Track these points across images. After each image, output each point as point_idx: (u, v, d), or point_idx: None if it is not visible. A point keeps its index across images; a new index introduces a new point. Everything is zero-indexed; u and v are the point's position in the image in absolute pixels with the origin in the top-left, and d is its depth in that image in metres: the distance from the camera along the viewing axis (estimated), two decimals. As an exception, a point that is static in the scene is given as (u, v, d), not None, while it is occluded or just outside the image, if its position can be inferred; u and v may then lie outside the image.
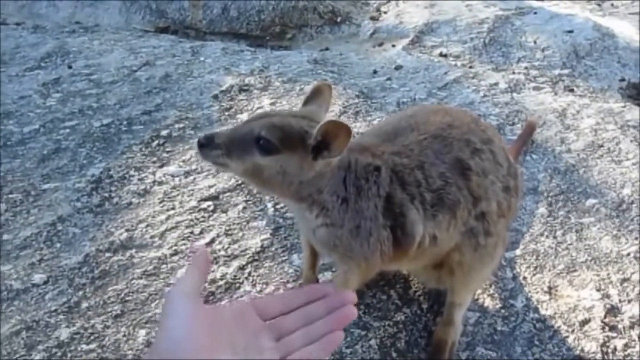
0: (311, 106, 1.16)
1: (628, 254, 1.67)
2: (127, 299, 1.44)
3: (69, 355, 1.30)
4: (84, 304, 1.43)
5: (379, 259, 1.18)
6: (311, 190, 1.11)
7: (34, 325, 1.37)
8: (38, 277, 1.51)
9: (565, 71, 2.98)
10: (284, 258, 1.59)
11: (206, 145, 1.04)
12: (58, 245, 1.62)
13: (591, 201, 1.88)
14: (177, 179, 1.89)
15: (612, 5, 4.14)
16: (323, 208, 1.13)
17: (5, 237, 1.64)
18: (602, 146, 2.18)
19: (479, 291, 1.51)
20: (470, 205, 1.23)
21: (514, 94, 2.60)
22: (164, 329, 0.84)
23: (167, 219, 1.71)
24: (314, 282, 1.44)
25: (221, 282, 1.49)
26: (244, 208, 1.75)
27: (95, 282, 1.50)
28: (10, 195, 1.80)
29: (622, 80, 2.92)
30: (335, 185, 1.13)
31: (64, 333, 1.35)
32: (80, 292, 1.46)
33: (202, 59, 2.84)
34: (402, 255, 1.21)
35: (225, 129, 1.11)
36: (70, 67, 2.67)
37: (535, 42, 3.27)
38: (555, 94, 2.67)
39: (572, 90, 2.77)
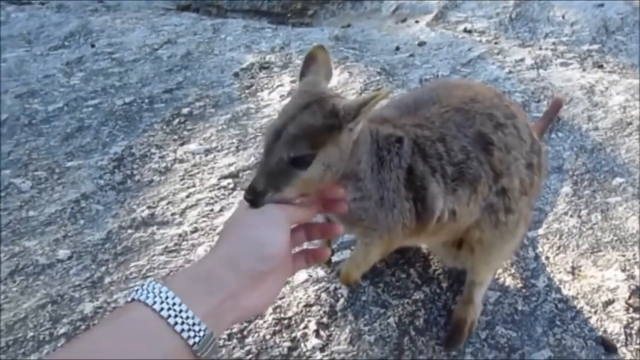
0: (308, 77, 1.06)
1: (655, 235, 1.62)
2: (148, 274, 1.47)
3: (93, 328, 1.33)
4: (107, 279, 1.46)
5: (400, 231, 1.17)
6: (352, 164, 1.07)
7: (58, 300, 1.41)
8: (62, 253, 1.54)
9: (595, 46, 2.88)
10: (303, 236, 1.59)
11: (255, 200, 0.94)
12: (82, 222, 1.65)
13: (618, 180, 1.83)
14: (197, 156, 1.90)
15: (646, -23, 3.97)
16: (358, 180, 1.09)
17: (31, 213, 1.68)
18: (630, 124, 2.11)
19: (500, 270, 1.49)
20: (491, 181, 1.21)
21: (541, 71, 2.53)
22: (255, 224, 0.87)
23: (188, 196, 1.73)
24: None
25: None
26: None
27: (117, 258, 1.52)
28: (35, 173, 1.83)
29: (655, 55, 2.80)
30: (366, 154, 1.10)
31: (87, 307, 1.38)
32: (103, 268, 1.49)
33: (223, 36, 2.83)
34: (421, 229, 1.20)
35: (254, 173, 1.09)
36: (93, 46, 2.69)
37: (563, 17, 3.16)
38: (584, 70, 2.59)
39: (601, 67, 2.68)
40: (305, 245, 1.07)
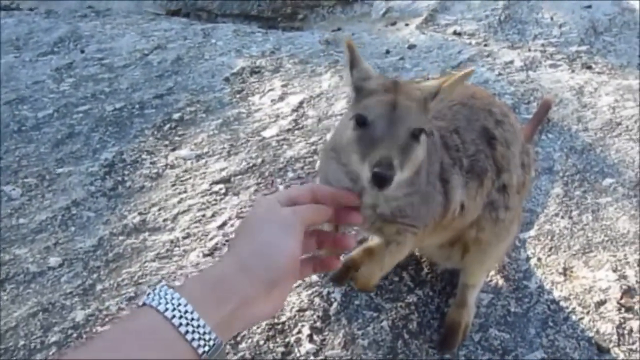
0: (363, 65, 1.08)
1: (646, 234, 1.64)
2: (140, 281, 1.46)
3: (84, 336, 1.32)
4: (99, 287, 1.45)
5: (430, 226, 1.15)
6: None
7: (49, 308, 1.39)
8: (53, 260, 1.53)
9: (583, 48, 2.91)
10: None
11: (391, 177, 0.91)
12: (73, 228, 1.64)
13: (608, 181, 1.85)
14: (189, 162, 1.90)
15: (633, -22, 4.01)
16: (417, 174, 1.05)
17: (21, 221, 1.66)
18: (620, 124, 2.13)
19: (492, 272, 1.50)
20: (494, 176, 1.22)
21: (530, 72, 2.54)
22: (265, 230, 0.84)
23: (179, 202, 1.72)
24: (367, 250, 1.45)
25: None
26: (255, 191, 1.75)
27: (109, 264, 1.51)
28: (25, 180, 1.82)
29: (643, 56, 2.83)
30: None
31: (79, 315, 1.37)
32: (95, 275, 1.48)
33: (213, 41, 2.83)
34: (437, 224, 1.18)
35: (355, 149, 0.97)
36: (82, 52, 2.68)
37: (552, 19, 3.19)
38: (573, 71, 2.61)
39: (589, 67, 2.70)
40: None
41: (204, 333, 0.73)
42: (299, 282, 1.44)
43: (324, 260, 1.00)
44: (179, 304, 0.73)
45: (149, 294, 0.75)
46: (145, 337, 0.72)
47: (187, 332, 0.72)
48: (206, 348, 0.73)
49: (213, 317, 0.75)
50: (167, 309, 0.73)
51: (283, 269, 0.82)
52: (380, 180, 0.91)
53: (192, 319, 0.73)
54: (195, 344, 0.72)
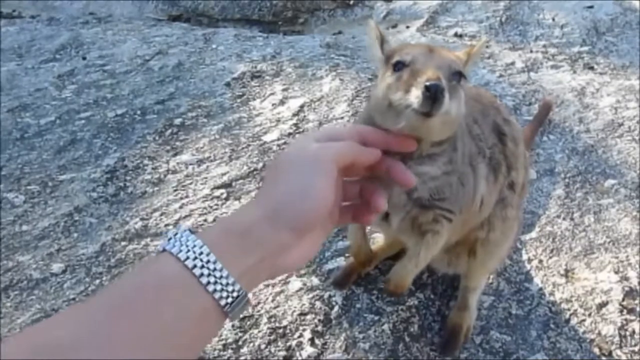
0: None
1: (648, 235, 1.63)
2: (142, 287, 1.46)
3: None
4: (101, 293, 1.45)
5: (465, 214, 1.12)
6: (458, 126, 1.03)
7: (53, 314, 1.40)
8: (56, 267, 1.54)
9: (585, 48, 2.90)
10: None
11: (442, 89, 0.85)
12: (75, 235, 1.65)
13: (610, 182, 1.84)
14: (190, 167, 1.90)
15: (634, -22, 4.01)
16: (454, 150, 1.04)
17: (24, 227, 1.68)
18: (622, 125, 2.13)
19: (493, 274, 1.50)
20: (505, 172, 1.22)
21: (531, 74, 2.54)
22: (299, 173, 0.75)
23: (181, 207, 1.73)
24: (369, 253, 1.43)
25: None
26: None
27: (111, 270, 1.52)
28: (28, 187, 1.83)
29: (644, 55, 2.83)
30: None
31: (82, 321, 1.38)
32: (97, 281, 1.49)
33: (214, 46, 2.84)
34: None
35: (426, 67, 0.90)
36: (84, 59, 2.69)
37: (553, 19, 3.19)
38: (574, 72, 2.61)
39: (591, 68, 2.70)
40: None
41: (227, 284, 0.67)
42: (301, 286, 1.45)
43: (358, 211, 0.88)
44: (201, 253, 0.67)
45: (170, 239, 0.69)
46: (162, 288, 0.66)
47: (208, 282, 0.66)
48: (229, 300, 0.67)
49: (237, 267, 0.68)
50: (187, 258, 0.66)
51: (313, 215, 0.74)
52: (435, 91, 0.84)
53: (215, 269, 0.67)
54: (217, 295, 0.66)
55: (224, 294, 0.67)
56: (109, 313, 0.62)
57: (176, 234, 0.69)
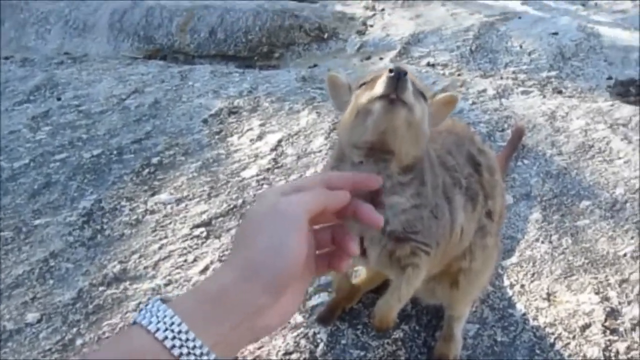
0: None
1: (625, 255, 1.66)
2: (122, 332, 1.43)
3: (65, 394, 1.29)
4: (79, 341, 1.41)
5: (442, 248, 1.12)
6: (423, 153, 1.05)
7: (28, 366, 1.36)
8: (31, 316, 1.49)
9: (553, 73, 2.99)
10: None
11: (405, 74, 0.90)
12: (51, 281, 1.61)
13: (585, 203, 1.88)
14: (168, 206, 1.88)
15: (595, 5, 4.17)
16: (422, 184, 1.05)
17: (-3, 276, 1.63)
18: (592, 147, 2.18)
19: (477, 302, 1.50)
20: (483, 201, 1.23)
21: (503, 100, 2.60)
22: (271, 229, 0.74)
23: (160, 248, 1.70)
24: (351, 289, 1.42)
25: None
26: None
27: (89, 317, 1.48)
28: (1, 233, 1.79)
29: (610, 78, 2.92)
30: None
31: (59, 372, 1.34)
32: (75, 329, 1.45)
33: (190, 83, 2.85)
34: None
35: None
36: (59, 99, 2.68)
37: (521, 46, 3.29)
38: (544, 96, 2.68)
39: (560, 92, 2.77)
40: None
41: (201, 354, 0.65)
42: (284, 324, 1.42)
43: (334, 258, 0.86)
44: (172, 323, 0.65)
45: (140, 310, 0.68)
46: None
47: (181, 354, 0.64)
48: None
49: (212, 335, 0.67)
50: (158, 329, 0.65)
51: (288, 271, 0.72)
52: (398, 72, 0.89)
53: (187, 340, 0.65)
54: None
55: None
56: None
57: (147, 304, 0.68)
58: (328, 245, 0.86)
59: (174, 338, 0.64)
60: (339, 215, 0.85)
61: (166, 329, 0.65)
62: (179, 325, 0.65)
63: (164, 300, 0.69)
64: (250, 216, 0.79)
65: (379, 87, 0.92)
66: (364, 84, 1.01)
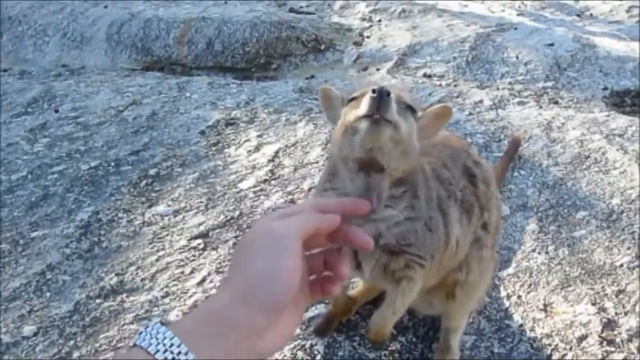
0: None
1: (621, 265, 1.66)
2: (119, 345, 1.42)
3: (61, 408, 1.28)
4: (75, 354, 1.41)
5: (437, 260, 1.13)
6: (416, 166, 1.06)
7: (24, 380, 1.35)
8: (28, 329, 1.49)
9: (549, 84, 3.01)
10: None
11: (387, 94, 0.91)
12: (48, 294, 1.60)
13: (581, 213, 1.88)
14: (166, 218, 1.89)
15: (591, 16, 4.21)
16: (415, 197, 1.06)
17: (-6, 289, 1.63)
18: (588, 157, 2.19)
19: (474, 313, 1.50)
20: (479, 213, 1.23)
21: (499, 110, 2.62)
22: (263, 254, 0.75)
23: (157, 260, 1.70)
24: (347, 301, 1.43)
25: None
26: (235, 244, 1.74)
27: (86, 330, 1.48)
28: (-2, 246, 1.79)
29: (605, 89, 2.94)
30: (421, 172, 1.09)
31: (55, 385, 1.33)
32: (71, 342, 1.45)
33: (188, 94, 2.86)
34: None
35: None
36: (57, 111, 2.69)
37: (517, 57, 3.31)
38: (540, 107, 2.70)
39: (556, 103, 2.79)
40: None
41: None
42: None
43: (327, 283, 0.87)
44: (172, 345, 0.66)
45: (140, 332, 0.69)
46: None
47: None
48: None
49: (211, 355, 0.67)
50: (158, 351, 0.65)
51: (284, 292, 0.73)
52: (380, 92, 0.90)
53: None
54: None
55: None
56: None
57: (147, 327, 0.69)
58: (321, 271, 0.87)
59: (173, 359, 0.65)
60: (331, 240, 0.87)
61: (165, 350, 0.66)
62: (178, 346, 0.66)
63: (163, 323, 0.70)
64: (245, 241, 0.81)
65: (363, 107, 0.93)
66: (354, 98, 1.02)
